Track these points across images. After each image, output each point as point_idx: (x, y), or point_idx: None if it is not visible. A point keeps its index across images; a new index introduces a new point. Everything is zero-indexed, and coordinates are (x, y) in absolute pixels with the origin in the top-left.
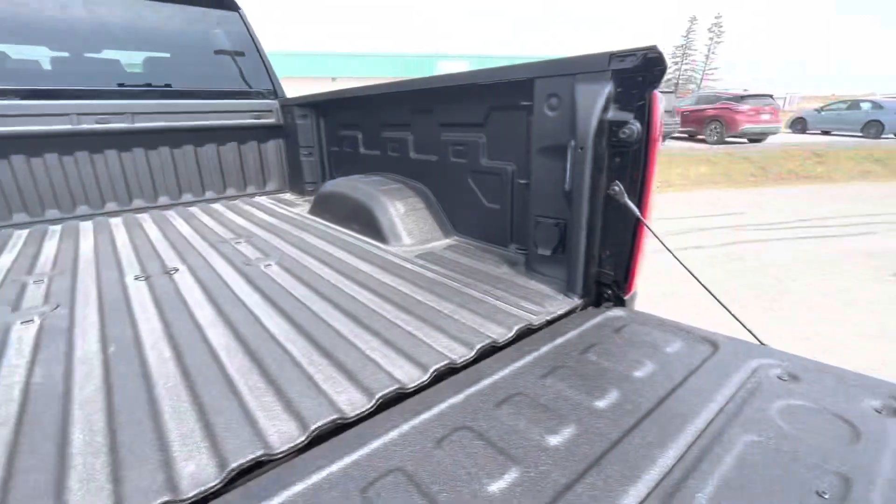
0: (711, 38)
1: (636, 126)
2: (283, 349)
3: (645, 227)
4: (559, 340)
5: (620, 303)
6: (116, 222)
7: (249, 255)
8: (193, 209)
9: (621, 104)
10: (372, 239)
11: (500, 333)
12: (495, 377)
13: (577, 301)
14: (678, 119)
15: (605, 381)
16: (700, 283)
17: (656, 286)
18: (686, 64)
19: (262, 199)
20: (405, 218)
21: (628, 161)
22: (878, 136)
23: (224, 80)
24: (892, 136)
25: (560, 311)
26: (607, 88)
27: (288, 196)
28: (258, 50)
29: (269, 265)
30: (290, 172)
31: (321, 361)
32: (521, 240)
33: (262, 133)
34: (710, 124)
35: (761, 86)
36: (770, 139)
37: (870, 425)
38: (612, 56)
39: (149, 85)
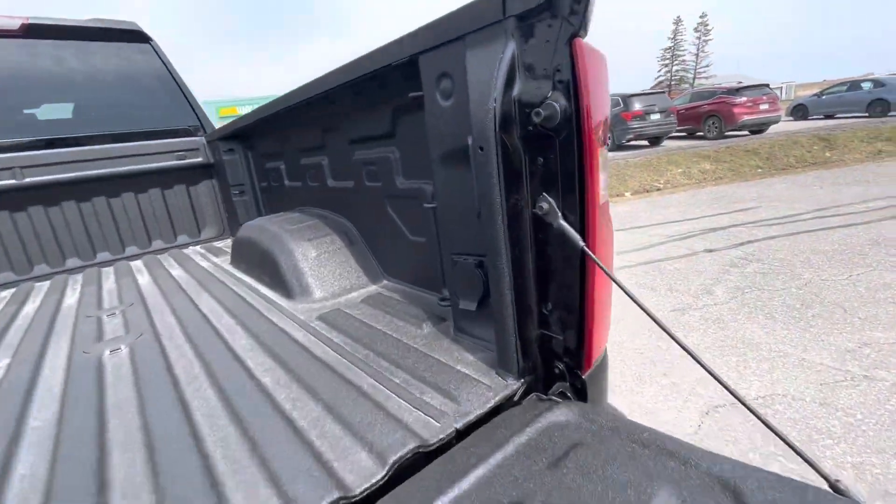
0: (699, 38)
1: (559, 103)
2: None
3: (595, 261)
4: (441, 501)
5: (578, 383)
6: (5, 296)
7: (109, 334)
8: (108, 269)
9: (533, 72)
10: (278, 293)
11: (365, 475)
12: None
13: (512, 384)
14: (674, 118)
15: None
16: (686, 349)
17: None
18: (677, 65)
19: (192, 250)
20: (315, 264)
21: (557, 161)
22: (884, 114)
23: (139, 120)
24: None
25: (479, 411)
26: (509, 49)
27: (225, 243)
28: (177, 83)
29: (119, 349)
30: (228, 216)
31: None
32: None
33: (190, 174)
34: (707, 120)
35: (756, 78)
36: (772, 128)
37: None
38: None
39: (55, 135)
